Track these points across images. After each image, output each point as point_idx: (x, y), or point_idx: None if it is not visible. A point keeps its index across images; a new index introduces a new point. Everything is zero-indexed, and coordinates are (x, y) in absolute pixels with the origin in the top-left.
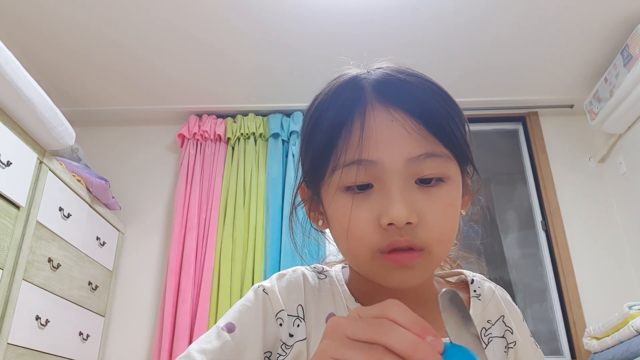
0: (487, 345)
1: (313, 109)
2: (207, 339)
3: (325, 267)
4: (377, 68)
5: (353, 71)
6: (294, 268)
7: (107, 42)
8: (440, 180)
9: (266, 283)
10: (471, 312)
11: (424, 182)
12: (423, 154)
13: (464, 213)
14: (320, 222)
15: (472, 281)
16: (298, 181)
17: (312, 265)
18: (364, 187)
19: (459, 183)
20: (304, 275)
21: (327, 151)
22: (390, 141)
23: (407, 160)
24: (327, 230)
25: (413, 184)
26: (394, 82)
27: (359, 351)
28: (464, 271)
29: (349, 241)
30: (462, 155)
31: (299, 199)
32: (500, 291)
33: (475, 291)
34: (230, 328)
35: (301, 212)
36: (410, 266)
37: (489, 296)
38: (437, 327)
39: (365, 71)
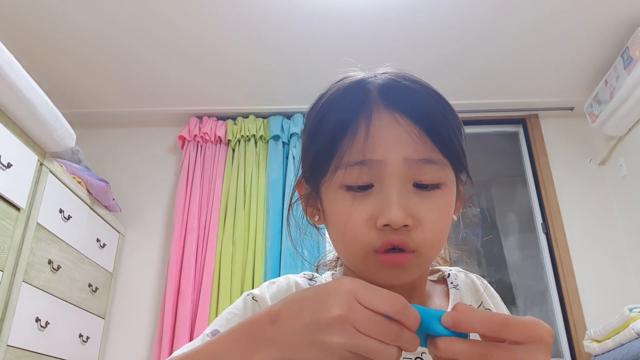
0: None
1: (318, 108)
2: (191, 345)
3: (316, 274)
4: (383, 73)
5: (359, 74)
6: (285, 276)
7: (108, 44)
8: (436, 186)
9: (256, 291)
10: (451, 300)
11: (421, 186)
12: (422, 158)
13: (455, 218)
14: (317, 218)
15: (449, 275)
16: (297, 177)
17: (302, 273)
18: (365, 187)
19: (454, 189)
20: (295, 281)
21: (330, 150)
22: (392, 141)
23: (407, 160)
24: (323, 227)
25: (411, 187)
26: (399, 88)
27: (373, 348)
28: (441, 267)
29: (345, 239)
30: (458, 163)
31: (296, 195)
32: (479, 281)
33: (452, 282)
34: (215, 334)
35: (298, 210)
36: (403, 266)
37: (464, 284)
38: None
39: (372, 75)
